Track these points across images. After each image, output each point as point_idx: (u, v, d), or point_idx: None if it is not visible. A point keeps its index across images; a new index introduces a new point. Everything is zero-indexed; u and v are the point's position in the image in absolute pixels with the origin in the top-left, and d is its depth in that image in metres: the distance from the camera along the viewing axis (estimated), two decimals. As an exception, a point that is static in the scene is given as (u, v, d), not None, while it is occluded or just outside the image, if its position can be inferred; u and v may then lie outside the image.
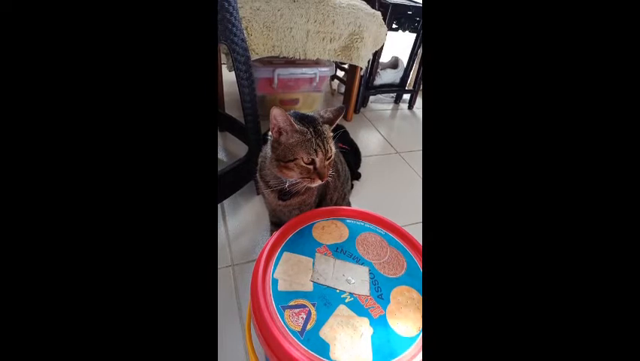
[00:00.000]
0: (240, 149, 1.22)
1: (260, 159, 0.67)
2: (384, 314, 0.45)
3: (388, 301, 0.46)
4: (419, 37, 1.62)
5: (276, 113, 0.51)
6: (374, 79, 1.66)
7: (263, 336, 0.41)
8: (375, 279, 0.49)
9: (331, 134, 0.57)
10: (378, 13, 1.25)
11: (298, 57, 1.18)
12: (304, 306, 0.44)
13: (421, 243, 0.55)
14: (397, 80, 1.78)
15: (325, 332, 0.41)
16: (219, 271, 0.82)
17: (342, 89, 1.70)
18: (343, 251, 0.53)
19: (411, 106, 1.86)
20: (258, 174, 0.68)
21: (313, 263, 0.50)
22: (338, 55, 1.25)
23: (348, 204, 0.95)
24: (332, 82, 1.88)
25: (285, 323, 0.42)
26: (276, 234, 0.53)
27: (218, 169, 0.90)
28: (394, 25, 1.51)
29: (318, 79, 1.41)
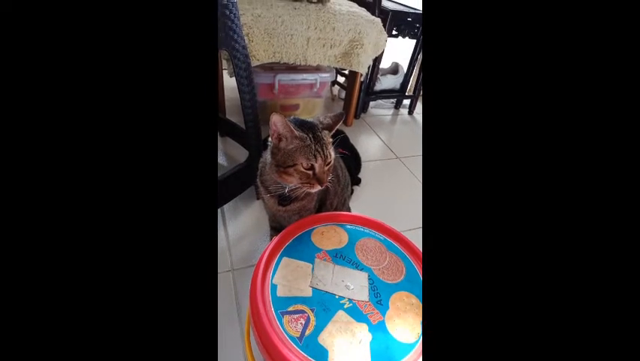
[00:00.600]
0: (241, 154, 1.22)
1: (260, 165, 0.67)
2: (383, 320, 0.45)
3: (387, 307, 0.46)
4: (419, 44, 1.64)
5: (275, 119, 0.52)
6: (374, 85, 1.67)
7: (261, 342, 0.41)
8: (374, 285, 0.49)
9: (330, 140, 0.57)
10: (378, 19, 1.27)
11: (299, 63, 1.19)
12: (303, 312, 0.44)
13: (420, 248, 0.55)
14: (397, 86, 1.79)
15: (324, 338, 0.41)
16: (219, 276, 0.82)
17: (343, 95, 1.71)
18: (342, 257, 0.53)
19: (411, 111, 1.86)
20: (258, 180, 0.68)
21: (312, 269, 0.50)
22: (338, 61, 1.26)
23: (349, 210, 0.95)
24: (332, 88, 1.89)
25: (283, 328, 0.42)
26: (275, 239, 0.53)
27: (219, 174, 0.90)
28: (394, 32, 1.53)
29: (318, 85, 1.42)
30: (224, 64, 1.25)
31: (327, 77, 1.41)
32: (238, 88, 0.82)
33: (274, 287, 0.47)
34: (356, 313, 0.45)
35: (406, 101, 1.90)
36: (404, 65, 1.77)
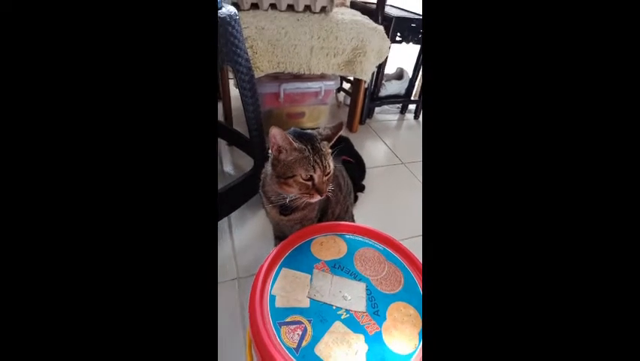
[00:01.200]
0: (248, 163, 1.25)
1: (262, 175, 0.69)
2: (380, 331, 0.45)
3: (384, 318, 0.47)
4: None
5: (274, 132, 0.53)
6: (379, 90, 1.68)
7: (259, 352, 0.42)
8: (371, 295, 0.50)
9: (329, 150, 0.58)
10: (381, 27, 1.28)
11: (303, 72, 1.21)
12: (300, 323, 0.45)
13: (418, 258, 0.55)
14: (402, 91, 1.79)
15: (320, 349, 0.42)
16: (225, 284, 0.84)
17: (349, 101, 1.73)
18: (341, 267, 0.54)
19: (417, 116, 1.86)
20: (260, 190, 0.70)
21: (311, 279, 0.51)
22: (342, 69, 1.27)
23: (352, 217, 0.96)
24: (338, 94, 1.90)
25: (281, 339, 0.43)
26: (274, 250, 0.54)
27: (227, 183, 0.93)
28: (398, 38, 1.53)
29: (323, 92, 1.43)
30: (231, 74, 1.28)
31: (331, 84, 1.43)
32: (242, 100, 0.85)
33: (273, 298, 0.48)
34: (353, 324, 0.46)
35: (412, 106, 1.90)
36: (409, 70, 1.77)
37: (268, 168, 0.62)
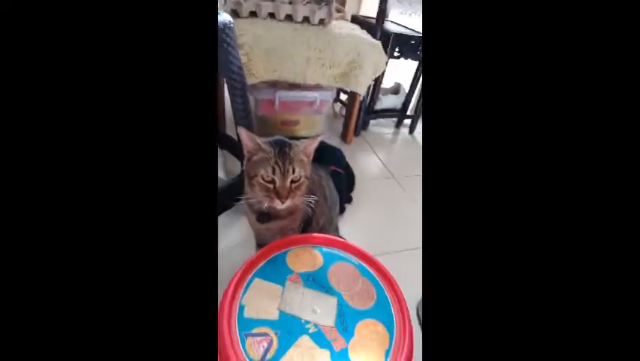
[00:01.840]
0: (239, 167, 1.25)
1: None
2: (347, 348, 0.45)
3: (352, 334, 0.47)
4: (421, 65, 1.66)
5: (241, 132, 0.56)
6: (375, 103, 1.70)
7: (221, 363, 0.41)
8: (342, 310, 0.49)
9: (302, 158, 0.59)
10: (378, 42, 1.30)
11: (298, 82, 1.22)
12: (266, 335, 0.45)
13: (393, 274, 0.55)
14: (399, 105, 1.81)
15: (283, 363, 0.42)
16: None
17: (344, 112, 1.74)
18: (314, 280, 0.53)
19: (412, 131, 1.88)
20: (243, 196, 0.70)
21: (282, 291, 0.51)
22: (337, 81, 1.29)
23: (336, 229, 0.95)
24: (334, 105, 1.92)
25: (245, 351, 0.42)
26: (248, 260, 0.54)
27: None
28: (396, 53, 1.56)
29: (319, 102, 1.44)
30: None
31: (327, 95, 1.44)
32: (232, 105, 0.86)
33: (242, 308, 0.47)
34: (320, 339, 0.45)
35: (407, 121, 1.91)
36: (406, 85, 1.80)
37: None
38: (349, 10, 1.84)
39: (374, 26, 1.43)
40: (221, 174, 1.28)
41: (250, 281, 0.52)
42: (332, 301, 0.50)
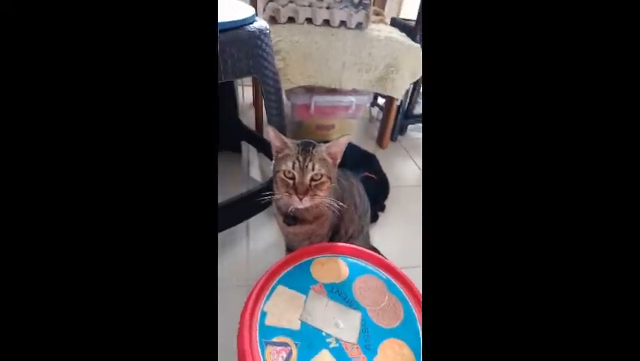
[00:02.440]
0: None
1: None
2: (369, 368, 0.43)
3: (375, 353, 0.44)
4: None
5: (269, 130, 0.59)
6: (414, 107, 1.64)
7: (240, 370, 0.41)
8: (366, 327, 0.47)
9: (325, 157, 0.58)
10: (418, 46, 1.25)
11: (334, 87, 1.21)
12: (286, 345, 0.44)
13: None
14: (439, 110, 1.73)
15: (301, 377, 0.41)
16: (235, 289, 0.85)
17: (381, 117, 1.70)
18: (339, 292, 0.52)
19: (453, 137, 1.78)
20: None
21: (305, 301, 0.50)
22: (373, 85, 1.26)
23: (367, 237, 0.93)
24: (372, 109, 1.88)
25: (264, 358, 0.42)
26: (273, 265, 0.54)
27: (251, 187, 0.95)
28: (438, 56, 1.49)
29: (354, 107, 1.43)
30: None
31: (363, 99, 1.42)
32: (266, 110, 0.87)
33: (264, 315, 0.47)
34: (341, 355, 0.43)
35: (448, 126, 1.82)
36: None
37: None
38: (389, 13, 1.80)
39: (412, 30, 1.38)
40: (257, 176, 1.32)
41: (274, 288, 0.51)
42: (356, 317, 0.48)
